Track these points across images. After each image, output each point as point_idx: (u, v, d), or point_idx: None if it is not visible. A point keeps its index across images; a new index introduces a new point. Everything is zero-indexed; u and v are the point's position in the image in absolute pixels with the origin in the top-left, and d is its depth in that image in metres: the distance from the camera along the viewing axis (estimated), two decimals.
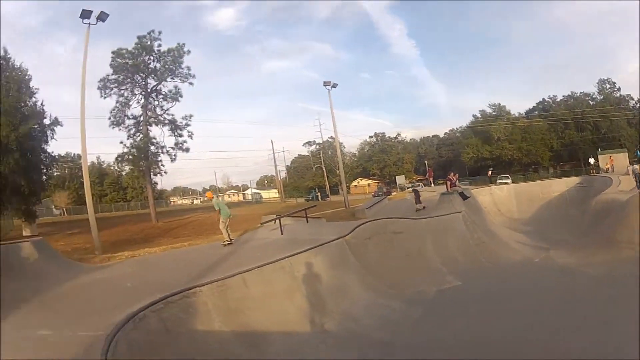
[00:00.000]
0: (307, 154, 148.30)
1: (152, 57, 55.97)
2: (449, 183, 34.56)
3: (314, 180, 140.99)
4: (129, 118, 56.68)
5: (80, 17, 30.97)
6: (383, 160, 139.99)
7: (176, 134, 57.46)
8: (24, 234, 42.38)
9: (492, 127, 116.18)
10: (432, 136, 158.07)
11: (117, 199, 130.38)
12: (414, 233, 21.72)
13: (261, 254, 16.73)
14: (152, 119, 57.05)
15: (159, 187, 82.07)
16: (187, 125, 57.85)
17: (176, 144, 57.48)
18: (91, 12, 30.91)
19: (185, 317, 11.02)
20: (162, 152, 56.88)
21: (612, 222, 22.81)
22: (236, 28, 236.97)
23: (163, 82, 57.17)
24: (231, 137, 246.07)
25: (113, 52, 55.16)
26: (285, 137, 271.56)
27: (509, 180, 71.91)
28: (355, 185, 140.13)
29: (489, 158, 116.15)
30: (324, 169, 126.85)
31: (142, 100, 56.69)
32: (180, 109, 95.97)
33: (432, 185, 69.17)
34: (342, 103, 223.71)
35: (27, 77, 39.01)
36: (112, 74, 55.25)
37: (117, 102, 55.99)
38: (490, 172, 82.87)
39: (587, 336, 11.22)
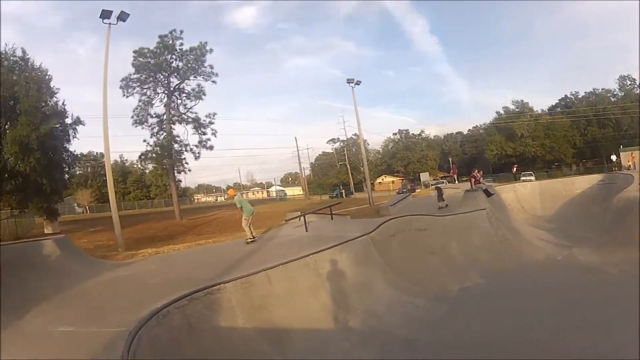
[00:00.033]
0: (331, 151, 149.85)
1: (174, 56, 56.55)
2: (473, 180, 34.61)
3: (338, 177, 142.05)
4: (152, 116, 57.56)
5: (100, 17, 31.17)
6: (407, 157, 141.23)
7: (200, 132, 58.30)
8: (45, 231, 42.97)
9: (515, 124, 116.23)
10: (456, 133, 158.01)
11: (141, 196, 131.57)
12: (438, 230, 21.50)
13: (285, 251, 16.64)
14: (176, 117, 57.86)
15: (182, 184, 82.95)
16: (211, 123, 58.68)
17: (200, 142, 58.31)
18: (111, 12, 31.08)
19: (209, 313, 10.96)
20: (186, 150, 57.60)
21: (634, 221, 22.51)
22: (258, 26, 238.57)
23: (186, 81, 57.61)
24: (255, 135, 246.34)
25: (134, 52, 55.95)
26: (309, 135, 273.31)
27: (533, 178, 71.62)
28: (380, 183, 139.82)
29: (512, 155, 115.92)
30: (348, 166, 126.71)
31: (165, 99, 57.50)
32: (203, 107, 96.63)
33: (456, 182, 68.83)
34: (366, 100, 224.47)
35: (47, 77, 39.51)
36: (134, 73, 56.05)
37: (139, 100, 56.80)
38: (514, 168, 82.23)
39: (611, 336, 10.94)
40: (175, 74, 57.79)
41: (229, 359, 10.04)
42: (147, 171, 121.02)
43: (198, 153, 58.56)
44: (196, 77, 58.28)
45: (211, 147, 59.14)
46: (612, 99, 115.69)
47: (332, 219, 25.94)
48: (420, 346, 11.85)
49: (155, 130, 58.08)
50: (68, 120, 41.15)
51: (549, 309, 13.74)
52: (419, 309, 14.56)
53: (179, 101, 59.16)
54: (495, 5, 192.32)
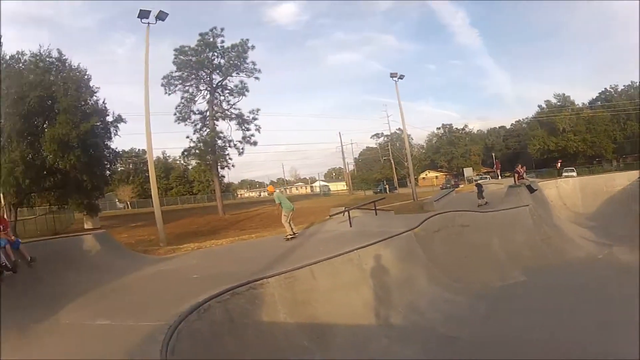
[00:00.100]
0: (375, 146, 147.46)
1: (215, 53, 56.70)
2: (516, 175, 33.89)
3: (382, 172, 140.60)
4: (194, 113, 58.03)
5: (138, 17, 31.30)
6: (451, 152, 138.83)
7: (243, 127, 58.37)
8: (85, 227, 44.10)
9: (557, 118, 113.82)
10: (499, 127, 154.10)
11: (183, 192, 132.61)
12: (481, 226, 21.35)
13: (329, 246, 16.64)
14: (219, 114, 58.19)
15: (226, 180, 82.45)
16: (254, 119, 58.68)
17: (244, 138, 58.47)
18: (149, 11, 31.17)
19: (251, 308, 10.95)
20: (230, 146, 57.67)
21: None
22: (297, 23, 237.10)
23: (228, 78, 57.75)
24: (298, 131, 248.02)
25: (175, 50, 56.42)
26: (353, 130, 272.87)
27: (574, 173, 70.35)
28: (423, 178, 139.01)
29: (554, 150, 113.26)
30: (392, 161, 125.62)
31: (208, 96, 57.84)
32: (246, 103, 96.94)
33: (499, 177, 68.20)
34: (408, 94, 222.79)
35: (86, 76, 39.92)
36: (176, 71, 56.43)
37: (182, 98, 57.36)
38: (559, 164, 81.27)
39: None
40: (218, 71, 57.95)
41: (270, 353, 10.02)
42: (190, 167, 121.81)
43: (242, 149, 58.74)
44: (239, 74, 58.39)
45: (255, 143, 59.33)
46: None
47: (376, 214, 25.67)
48: (460, 344, 11.75)
49: (198, 126, 58.59)
50: (109, 118, 41.60)
51: (587, 309, 13.59)
52: (461, 306, 14.47)
53: (222, 98, 59.36)
54: None
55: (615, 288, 15.94)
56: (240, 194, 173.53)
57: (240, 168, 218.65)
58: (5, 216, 14.52)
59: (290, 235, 21.10)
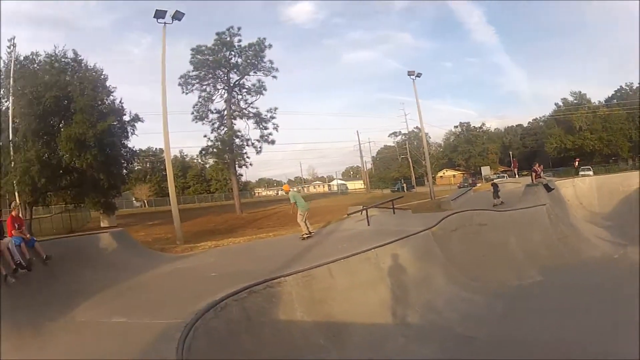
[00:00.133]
0: (393, 144, 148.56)
1: (233, 53, 57.15)
2: (533, 174, 33.72)
3: (399, 171, 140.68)
4: (212, 112, 58.65)
5: (154, 17, 31.50)
6: (468, 150, 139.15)
7: (261, 126, 58.70)
8: (102, 225, 44.66)
9: (573, 116, 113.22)
10: (516, 126, 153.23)
11: (201, 190, 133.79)
12: (499, 225, 21.14)
13: (347, 245, 16.62)
14: (237, 113, 58.70)
15: (243, 178, 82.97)
16: (272, 117, 59.04)
17: (261, 137, 58.86)
18: (165, 11, 31.37)
19: (268, 306, 10.93)
20: (247, 145, 58.06)
21: None
22: (314, 21, 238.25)
23: (246, 76, 58.15)
24: (316, 129, 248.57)
25: (192, 49, 56.98)
26: (370, 128, 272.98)
27: (591, 172, 70.43)
28: (441, 176, 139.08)
29: (571, 149, 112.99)
30: (409, 160, 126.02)
31: (226, 95, 58.45)
32: (263, 102, 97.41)
33: (517, 176, 67.90)
34: (425, 92, 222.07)
35: (102, 76, 40.47)
36: (193, 71, 56.86)
37: (199, 97, 58.00)
38: (577, 162, 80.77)
39: None
40: (235, 70, 58.39)
41: (286, 351, 9.98)
42: (207, 166, 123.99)
43: (259, 147, 59.15)
44: (256, 73, 58.79)
45: (273, 142, 59.74)
46: None
47: (394, 213, 25.61)
48: (477, 343, 11.65)
49: (215, 125, 59.13)
50: (126, 118, 42.18)
51: (603, 309, 13.39)
52: (478, 306, 14.32)
53: (240, 96, 59.91)
54: None
55: (630, 288, 15.57)
56: (258, 193, 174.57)
57: (257, 167, 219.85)
58: (20, 215, 14.42)
59: (306, 234, 20.96)
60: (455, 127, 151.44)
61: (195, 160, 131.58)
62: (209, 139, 58.78)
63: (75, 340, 8.91)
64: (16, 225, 13.19)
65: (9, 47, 40.32)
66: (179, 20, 32.13)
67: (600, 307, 13.47)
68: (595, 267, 19.61)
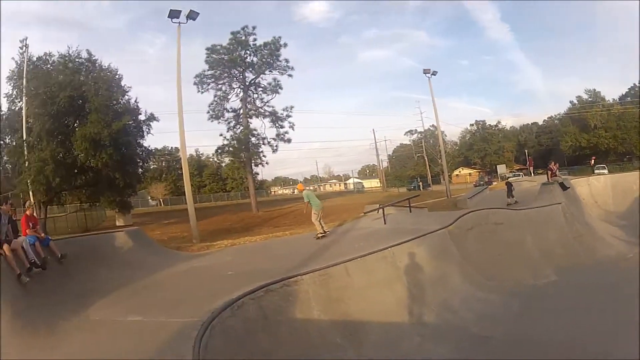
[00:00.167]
0: (409, 142, 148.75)
1: (248, 52, 57.25)
2: (549, 173, 33.69)
3: (415, 169, 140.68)
4: (228, 111, 58.99)
5: (168, 17, 31.59)
6: (484, 149, 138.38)
7: (277, 125, 58.76)
8: (117, 224, 45.18)
9: (588, 114, 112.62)
10: (532, 124, 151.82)
11: (217, 189, 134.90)
12: (515, 224, 21.06)
13: (364, 244, 16.54)
14: (252, 111, 58.96)
15: (259, 177, 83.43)
16: (288, 116, 59.11)
17: (277, 135, 58.90)
18: (180, 11, 31.44)
19: (285, 305, 10.91)
20: (264, 143, 58.21)
21: None
22: (329, 20, 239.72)
23: (261, 75, 58.28)
24: (332, 128, 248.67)
25: (207, 49, 57.02)
26: (386, 127, 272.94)
27: (605, 171, 69.87)
28: (457, 175, 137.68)
29: (586, 147, 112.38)
30: (425, 158, 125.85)
31: (241, 94, 58.71)
32: (279, 100, 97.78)
33: (532, 174, 67.55)
34: (440, 90, 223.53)
35: (117, 76, 40.86)
36: (208, 70, 57.07)
37: (215, 96, 58.25)
38: (593, 160, 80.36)
39: None
40: (251, 69, 58.53)
41: (303, 350, 9.96)
42: (223, 164, 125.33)
43: (276, 146, 59.27)
44: (272, 72, 58.89)
45: (289, 140, 59.85)
46: None
47: (410, 211, 25.62)
48: (493, 343, 11.64)
49: (231, 124, 59.41)
50: (142, 117, 42.38)
51: (617, 308, 13.18)
52: (494, 305, 14.25)
53: (256, 95, 60.10)
54: None
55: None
56: (274, 191, 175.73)
57: (273, 165, 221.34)
58: (34, 214, 14.46)
59: (321, 233, 20.85)
60: (471, 125, 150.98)
61: (211, 159, 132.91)
62: (224, 137, 59.11)
63: (89, 338, 8.90)
64: (30, 225, 13.25)
65: (21, 48, 40.82)
66: (194, 19, 32.25)
67: (614, 306, 13.34)
68: (609, 266, 19.62)
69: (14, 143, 40.36)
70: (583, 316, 12.89)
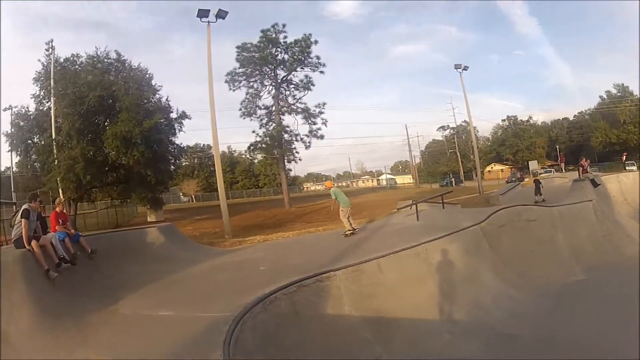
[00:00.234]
0: (442, 138, 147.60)
1: (279, 49, 57.26)
2: (581, 169, 33.61)
3: (448, 165, 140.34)
4: (260, 108, 59.26)
5: (197, 16, 31.72)
6: (516, 144, 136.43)
7: (310, 121, 58.73)
8: (149, 220, 46.01)
9: (617, 109, 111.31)
10: (562, 119, 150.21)
11: (249, 185, 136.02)
12: (547, 221, 20.80)
13: (397, 240, 16.44)
14: (285, 108, 58.92)
15: (292, 173, 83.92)
16: (321, 113, 59.00)
17: (310, 132, 58.85)
18: (208, 11, 31.54)
19: (316, 300, 10.91)
20: (296, 140, 58.29)
21: None
22: (359, 16, 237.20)
23: (293, 72, 58.27)
24: (364, 124, 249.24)
25: (237, 47, 57.31)
26: (418, 122, 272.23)
27: (635, 167, 68.86)
28: (489, 171, 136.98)
29: (616, 143, 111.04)
30: (458, 154, 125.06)
31: (273, 91, 58.78)
32: (311, 97, 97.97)
33: (564, 171, 66.90)
34: (471, 85, 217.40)
35: (147, 75, 41.49)
36: (239, 67, 57.29)
37: (247, 93, 58.50)
38: (624, 156, 79.52)
39: None
40: (282, 66, 58.61)
41: (333, 346, 9.97)
42: (255, 161, 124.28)
43: (308, 142, 59.30)
44: (303, 69, 58.86)
45: (322, 137, 59.64)
46: None
47: (443, 207, 25.52)
48: (520, 342, 11.61)
49: (264, 121, 59.66)
50: (173, 115, 43.02)
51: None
52: (523, 303, 14.17)
53: (288, 92, 60.11)
54: None
55: None
56: (307, 187, 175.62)
57: (306, 161, 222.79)
58: (64, 210, 14.57)
59: (349, 230, 20.75)
60: (502, 120, 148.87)
61: (243, 156, 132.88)
62: (257, 134, 59.38)
63: (118, 333, 8.94)
64: (60, 221, 13.46)
65: (47, 50, 41.50)
66: (223, 18, 32.33)
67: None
68: (637, 265, 19.21)
69: (43, 142, 40.99)
70: (609, 316, 12.77)
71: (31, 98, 42.46)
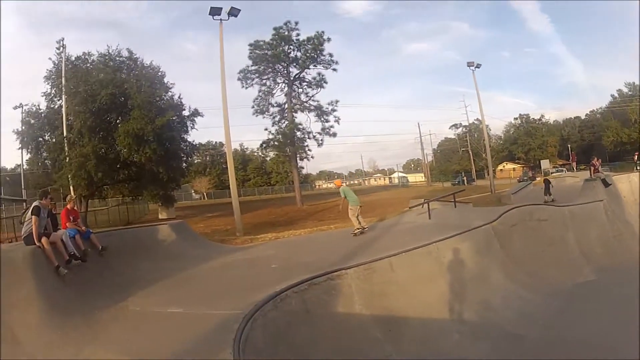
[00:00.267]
0: (454, 136, 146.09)
1: (291, 47, 57.41)
2: (592, 169, 33.50)
3: (460, 163, 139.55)
4: (273, 106, 59.35)
5: (209, 14, 31.90)
6: (528, 143, 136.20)
7: (322, 119, 58.80)
8: (160, 217, 46.36)
9: (629, 108, 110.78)
10: (574, 118, 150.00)
11: (261, 183, 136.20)
12: (558, 221, 20.75)
13: (408, 238, 16.48)
14: (297, 106, 58.94)
15: (304, 171, 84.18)
16: (333, 110, 59.08)
17: (323, 129, 58.96)
18: (220, 9, 31.69)
19: (327, 298, 10.93)
20: (309, 138, 58.36)
21: None
22: (370, 13, 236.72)
23: (306, 70, 58.38)
24: (377, 122, 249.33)
25: (250, 45, 57.61)
26: (431, 120, 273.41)
27: None
28: (501, 170, 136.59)
29: (627, 142, 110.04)
30: (470, 152, 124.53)
31: (286, 88, 58.85)
32: (324, 95, 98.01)
33: (575, 170, 66.66)
34: (483, 83, 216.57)
35: (159, 73, 41.46)
36: (252, 65, 57.49)
37: (259, 91, 58.76)
38: (636, 155, 79.39)
39: None
40: (295, 64, 58.72)
41: (344, 344, 9.97)
42: (268, 158, 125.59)
43: (321, 140, 59.35)
44: (316, 66, 58.96)
45: (334, 134, 59.62)
46: None
47: (455, 206, 25.54)
48: (527, 343, 11.62)
49: (276, 118, 59.82)
50: (185, 113, 42.95)
51: None
52: (532, 304, 14.15)
53: (300, 90, 60.28)
54: None
55: None
56: (319, 185, 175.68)
57: (318, 159, 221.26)
58: (75, 207, 14.62)
59: (358, 229, 20.61)
60: (515, 119, 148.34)
61: (255, 153, 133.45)
62: (269, 132, 59.50)
63: (127, 329, 8.97)
64: (71, 218, 13.52)
65: (58, 49, 41.88)
66: (235, 16, 32.44)
67: None
68: None
69: (54, 140, 41.16)
70: (619, 317, 12.72)
71: (42, 96, 42.75)
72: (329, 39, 58.24)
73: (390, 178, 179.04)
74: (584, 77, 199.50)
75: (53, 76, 41.80)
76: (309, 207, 54.42)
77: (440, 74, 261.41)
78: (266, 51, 56.93)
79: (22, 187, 61.70)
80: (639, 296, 12.84)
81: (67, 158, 37.26)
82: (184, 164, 45.72)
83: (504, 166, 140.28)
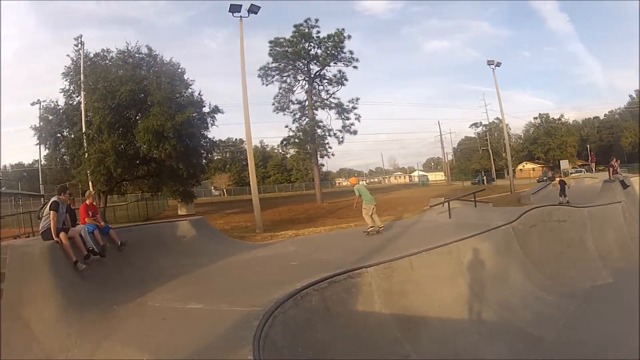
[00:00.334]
0: (474, 135, 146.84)
1: (312, 44, 57.07)
2: (611, 170, 33.20)
3: (480, 163, 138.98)
4: (293, 103, 59.30)
5: (229, 11, 31.80)
6: (547, 143, 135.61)
7: (343, 117, 58.51)
8: (179, 213, 47.61)
9: None
10: (593, 118, 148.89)
11: (281, 180, 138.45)
12: (577, 222, 20.62)
13: (429, 237, 16.43)
14: (318, 103, 58.71)
15: (324, 168, 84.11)
16: (354, 108, 58.72)
17: (343, 127, 58.65)
18: (240, 5, 31.64)
19: (347, 297, 10.83)
20: (329, 135, 58.07)
21: None
22: (391, 11, 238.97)
23: (326, 67, 58.09)
24: (397, 120, 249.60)
25: (270, 42, 57.52)
26: (451, 119, 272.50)
27: None
28: (520, 170, 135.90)
29: None
30: (490, 152, 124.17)
31: (306, 86, 58.62)
32: (344, 92, 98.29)
33: (594, 171, 66.36)
34: (503, 82, 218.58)
35: (179, 70, 41.87)
36: (272, 62, 57.34)
37: (280, 88, 58.67)
38: None
39: None
40: (315, 61, 58.45)
41: (362, 342, 9.92)
42: (288, 156, 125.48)
43: (342, 138, 59.11)
44: (336, 63, 58.69)
45: (355, 132, 59.36)
46: None
47: (475, 206, 25.51)
48: (544, 344, 11.57)
49: (297, 116, 59.63)
50: (206, 109, 43.41)
51: None
52: (550, 305, 14.18)
53: (321, 87, 60.04)
54: None
55: None
56: (339, 183, 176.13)
57: (338, 157, 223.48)
58: (94, 203, 14.65)
59: (372, 228, 20.47)
60: (535, 118, 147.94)
61: (275, 150, 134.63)
62: (290, 129, 59.31)
63: (145, 325, 8.92)
64: (90, 213, 13.55)
65: (76, 46, 42.61)
66: (255, 13, 32.36)
67: None
68: None
69: (72, 135, 41.72)
70: (634, 321, 12.35)
71: (60, 92, 43.47)
72: (349, 37, 57.91)
73: (410, 176, 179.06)
74: (602, 77, 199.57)
75: (71, 73, 42.41)
76: (329, 205, 54.33)
77: (460, 72, 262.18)
78: (286, 48, 56.67)
79: (40, 182, 62.21)
80: (638, 296, 12.94)
81: (86, 154, 37.61)
82: (204, 161, 46.09)
83: (523, 166, 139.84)
